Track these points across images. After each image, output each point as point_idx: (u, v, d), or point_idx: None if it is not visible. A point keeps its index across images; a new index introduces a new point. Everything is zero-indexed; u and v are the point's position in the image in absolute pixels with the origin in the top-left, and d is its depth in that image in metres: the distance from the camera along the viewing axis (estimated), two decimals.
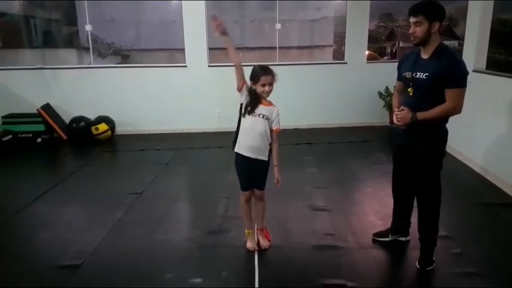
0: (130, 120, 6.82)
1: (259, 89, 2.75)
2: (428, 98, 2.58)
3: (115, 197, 4.18)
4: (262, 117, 2.80)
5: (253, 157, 2.88)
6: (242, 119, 2.85)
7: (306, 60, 11.20)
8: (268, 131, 2.86)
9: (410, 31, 2.60)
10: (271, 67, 2.82)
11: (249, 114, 2.80)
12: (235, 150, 2.93)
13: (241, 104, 2.85)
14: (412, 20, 2.57)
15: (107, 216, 3.70)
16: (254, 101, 2.80)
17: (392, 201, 3.12)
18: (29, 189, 4.41)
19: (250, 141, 2.85)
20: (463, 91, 2.54)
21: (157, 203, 4.04)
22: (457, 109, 2.56)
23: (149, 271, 2.87)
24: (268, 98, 2.86)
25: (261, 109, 2.81)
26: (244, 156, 2.88)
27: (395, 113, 2.71)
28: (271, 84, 2.76)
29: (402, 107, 2.68)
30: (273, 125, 2.87)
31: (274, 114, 2.86)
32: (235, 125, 2.93)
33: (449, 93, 2.52)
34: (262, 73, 2.73)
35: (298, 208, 3.82)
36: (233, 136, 2.95)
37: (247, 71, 2.82)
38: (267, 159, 2.93)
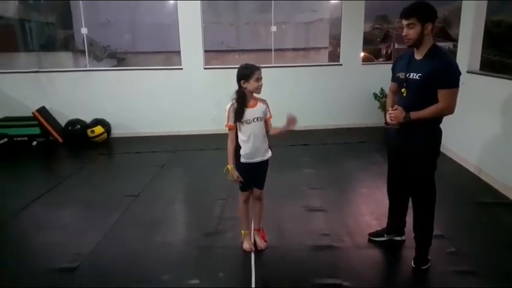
0: (126, 122, 6.82)
1: (253, 85, 2.75)
2: (421, 99, 2.60)
3: (111, 200, 4.18)
4: (256, 120, 2.82)
5: (258, 161, 2.90)
6: (239, 131, 2.85)
7: (302, 62, 11.24)
8: (265, 128, 2.90)
9: (403, 33, 2.63)
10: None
11: (248, 123, 2.81)
12: (241, 161, 2.91)
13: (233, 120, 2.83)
14: (405, 22, 2.60)
15: (103, 219, 3.70)
16: (243, 105, 2.80)
17: (388, 201, 3.14)
18: (25, 192, 4.40)
19: (254, 148, 2.85)
20: (456, 91, 2.57)
21: (154, 205, 4.04)
22: (449, 109, 2.59)
23: (146, 273, 2.87)
24: (266, 99, 2.90)
25: (253, 112, 2.82)
26: (249, 163, 2.90)
27: (389, 112, 2.73)
28: (262, 78, 2.80)
29: (396, 106, 2.71)
30: (267, 116, 2.91)
31: (265, 108, 2.88)
32: None
33: (441, 94, 2.55)
34: (255, 68, 2.77)
35: (295, 209, 3.84)
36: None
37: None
38: (268, 157, 2.95)
